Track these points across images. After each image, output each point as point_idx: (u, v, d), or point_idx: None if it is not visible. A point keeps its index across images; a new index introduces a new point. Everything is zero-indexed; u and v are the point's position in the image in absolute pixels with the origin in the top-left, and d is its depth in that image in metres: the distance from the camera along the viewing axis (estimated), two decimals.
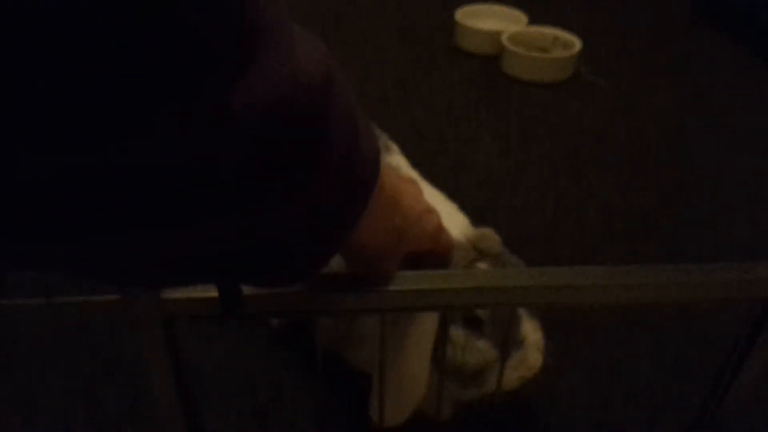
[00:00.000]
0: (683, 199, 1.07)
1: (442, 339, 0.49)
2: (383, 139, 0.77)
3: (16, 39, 0.18)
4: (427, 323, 0.53)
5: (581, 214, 1.03)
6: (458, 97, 1.36)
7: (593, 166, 1.15)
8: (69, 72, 0.19)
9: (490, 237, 0.56)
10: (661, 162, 1.17)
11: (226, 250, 0.28)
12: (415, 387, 0.54)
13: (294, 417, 0.71)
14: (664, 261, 0.42)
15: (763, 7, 1.49)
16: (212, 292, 0.40)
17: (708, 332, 0.81)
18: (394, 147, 0.77)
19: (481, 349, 0.54)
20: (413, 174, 0.72)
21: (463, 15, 1.54)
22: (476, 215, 0.65)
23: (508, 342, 0.50)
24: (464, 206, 0.65)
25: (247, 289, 0.39)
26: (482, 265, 0.54)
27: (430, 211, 0.46)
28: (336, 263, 0.41)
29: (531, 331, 0.56)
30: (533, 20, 1.54)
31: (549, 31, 1.49)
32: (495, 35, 1.46)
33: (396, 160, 0.73)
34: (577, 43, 1.42)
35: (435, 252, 0.49)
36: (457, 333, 0.54)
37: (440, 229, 0.48)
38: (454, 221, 0.58)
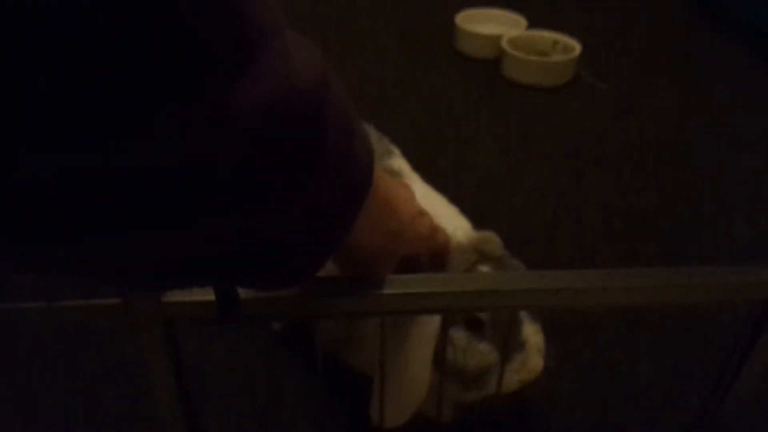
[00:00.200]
0: (683, 199, 1.07)
1: (442, 341, 0.49)
2: (384, 142, 0.77)
3: (16, 39, 0.18)
4: (428, 325, 0.53)
5: (581, 215, 1.03)
6: (458, 98, 1.36)
7: (593, 167, 1.15)
8: (69, 72, 0.19)
9: (492, 240, 0.56)
10: (661, 162, 1.17)
11: (226, 251, 0.28)
12: (415, 389, 0.55)
13: (294, 417, 0.71)
14: (664, 261, 0.42)
15: (763, 7, 1.49)
16: (211, 295, 0.40)
17: (708, 333, 0.81)
18: (396, 150, 0.77)
19: (482, 351, 0.54)
20: (414, 177, 0.72)
21: (463, 19, 1.54)
22: (476, 216, 0.65)
23: (508, 345, 0.50)
24: (464, 207, 0.65)
25: (246, 292, 0.39)
26: (484, 268, 0.54)
27: (423, 213, 0.47)
28: (335, 267, 0.41)
29: (532, 334, 0.56)
30: (532, 24, 1.55)
31: (548, 34, 1.49)
32: (495, 39, 1.46)
33: (397, 164, 0.73)
34: (576, 47, 1.42)
35: (432, 253, 0.49)
36: (458, 335, 0.54)
37: (434, 230, 0.48)
38: (456, 224, 0.58)
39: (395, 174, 0.70)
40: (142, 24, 0.19)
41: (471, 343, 0.54)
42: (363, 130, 0.34)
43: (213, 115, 0.22)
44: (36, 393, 0.73)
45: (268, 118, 0.24)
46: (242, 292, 0.38)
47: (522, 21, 1.55)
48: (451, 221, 0.58)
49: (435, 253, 0.52)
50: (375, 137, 0.76)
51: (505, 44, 1.42)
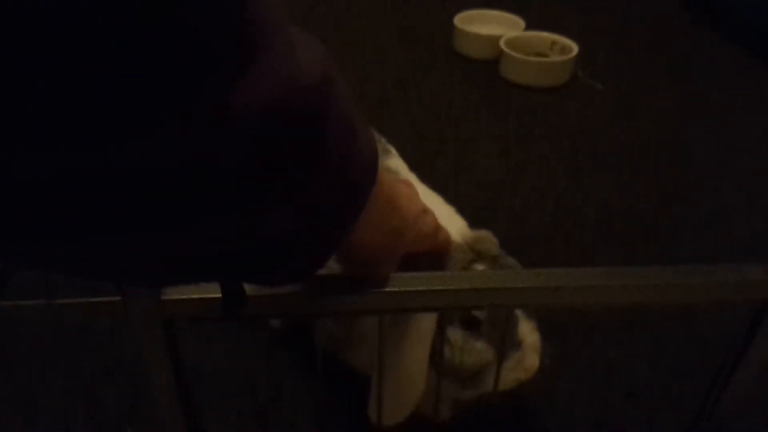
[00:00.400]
0: (682, 200, 1.07)
1: (439, 340, 0.49)
2: (382, 142, 0.78)
3: (16, 39, 0.18)
4: (425, 324, 0.53)
5: (580, 216, 1.03)
6: (458, 98, 1.36)
7: (592, 167, 1.15)
8: (69, 72, 0.19)
9: (488, 239, 0.57)
10: (660, 163, 1.17)
11: (226, 250, 0.28)
12: (413, 387, 0.55)
13: (294, 417, 0.71)
14: (663, 262, 0.43)
15: (761, 7, 1.49)
16: (213, 293, 0.40)
17: (706, 332, 0.81)
18: (393, 150, 0.77)
19: (479, 349, 0.54)
20: (411, 177, 0.72)
21: (462, 20, 1.54)
22: (475, 216, 0.65)
23: (505, 343, 0.50)
24: (463, 207, 0.65)
25: (247, 290, 0.39)
26: (480, 267, 0.54)
27: (426, 211, 0.46)
28: (336, 265, 0.41)
29: (528, 332, 0.56)
30: (531, 25, 1.55)
31: (547, 35, 1.50)
32: (493, 40, 1.46)
33: (395, 163, 0.73)
34: (574, 48, 1.43)
35: (433, 251, 0.49)
36: (455, 334, 0.54)
37: (437, 228, 0.48)
38: (452, 224, 0.58)
39: (392, 173, 0.70)
40: (142, 24, 0.19)
41: (468, 341, 0.54)
42: (367, 130, 0.34)
43: (213, 115, 0.22)
44: (36, 392, 0.73)
45: (269, 118, 0.24)
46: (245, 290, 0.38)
47: (520, 22, 1.56)
48: (447, 221, 0.58)
49: (437, 251, 0.52)
50: None
51: (503, 45, 1.42)
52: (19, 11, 0.17)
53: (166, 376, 0.44)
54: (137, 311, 0.40)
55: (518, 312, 0.55)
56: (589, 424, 0.71)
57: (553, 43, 1.49)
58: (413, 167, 0.74)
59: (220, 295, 0.39)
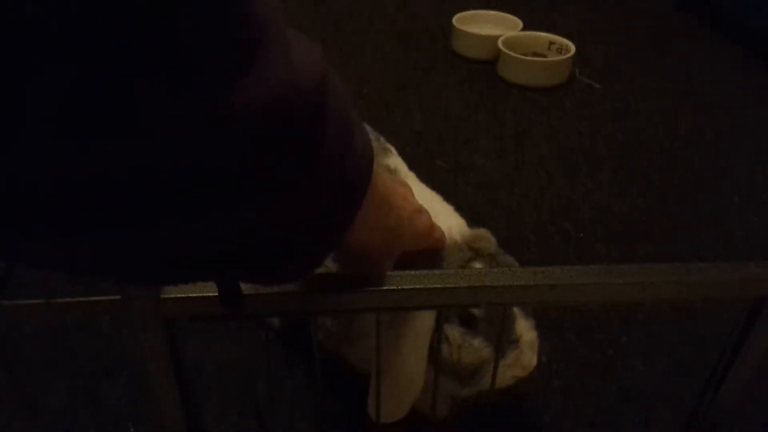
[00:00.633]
0: (678, 199, 1.08)
1: (437, 337, 0.50)
2: (381, 141, 0.78)
3: (16, 39, 0.18)
4: (424, 322, 0.53)
5: (577, 214, 1.03)
6: (456, 99, 1.36)
7: (589, 167, 1.15)
8: (69, 72, 0.19)
9: (485, 237, 0.57)
10: (657, 162, 1.17)
11: (226, 249, 0.28)
12: (411, 384, 0.55)
13: (294, 417, 0.72)
14: (660, 260, 0.43)
15: (757, 6, 1.49)
16: (212, 291, 0.40)
17: (701, 331, 0.82)
18: (392, 149, 0.77)
19: (477, 347, 0.54)
20: (411, 176, 0.72)
21: (460, 20, 1.55)
22: (473, 216, 0.65)
23: (502, 341, 0.50)
24: (462, 207, 0.65)
25: (246, 289, 0.39)
26: (478, 265, 0.55)
27: (421, 210, 0.47)
28: (333, 264, 0.42)
29: (525, 330, 0.56)
30: (528, 25, 1.55)
31: (544, 35, 1.50)
32: (491, 40, 1.47)
33: (394, 162, 0.73)
34: (571, 47, 1.43)
35: (429, 250, 0.49)
36: (453, 331, 0.54)
37: (432, 227, 0.48)
38: (450, 222, 0.59)
39: (391, 173, 0.71)
40: (141, 24, 0.19)
41: (465, 339, 0.54)
42: (362, 128, 0.34)
43: (213, 115, 0.22)
44: (37, 392, 0.73)
45: (268, 117, 0.24)
46: (243, 289, 0.39)
47: (517, 22, 1.56)
48: (445, 219, 0.58)
49: (432, 250, 0.52)
50: (371, 136, 0.77)
51: (501, 45, 1.43)
52: (20, 11, 0.17)
53: (166, 375, 0.44)
54: (138, 310, 0.40)
55: (516, 310, 0.56)
56: (584, 422, 0.72)
57: (551, 43, 1.49)
58: (412, 166, 0.75)
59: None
